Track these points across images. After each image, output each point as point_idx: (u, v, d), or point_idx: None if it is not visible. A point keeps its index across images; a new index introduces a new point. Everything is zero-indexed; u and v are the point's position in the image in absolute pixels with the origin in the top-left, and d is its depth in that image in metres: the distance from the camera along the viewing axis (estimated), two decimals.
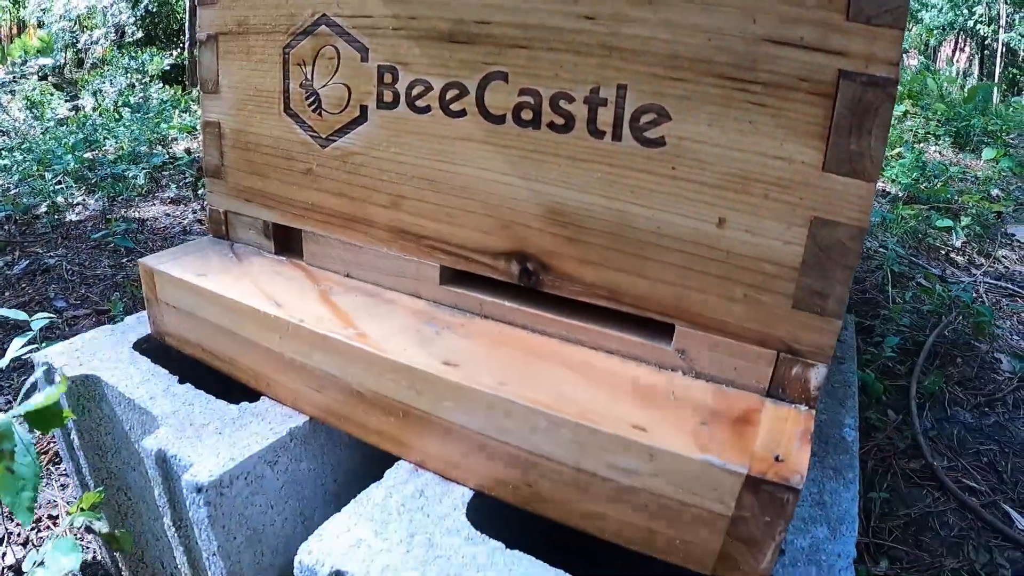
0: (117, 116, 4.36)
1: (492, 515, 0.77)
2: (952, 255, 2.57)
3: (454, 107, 0.83)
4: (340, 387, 0.85)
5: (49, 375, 1.03)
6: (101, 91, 5.30)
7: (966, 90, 5.20)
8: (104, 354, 1.04)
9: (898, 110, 4.30)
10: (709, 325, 0.75)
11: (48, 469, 1.38)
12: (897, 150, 3.55)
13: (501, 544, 0.69)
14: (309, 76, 0.96)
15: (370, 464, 0.86)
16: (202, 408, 0.92)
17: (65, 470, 1.36)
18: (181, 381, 0.98)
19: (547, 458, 0.71)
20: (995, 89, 6.11)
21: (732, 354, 0.74)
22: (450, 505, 0.75)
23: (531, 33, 0.76)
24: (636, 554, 0.70)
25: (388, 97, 0.89)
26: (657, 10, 0.69)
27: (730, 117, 0.68)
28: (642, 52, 0.71)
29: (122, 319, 1.17)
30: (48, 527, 1.26)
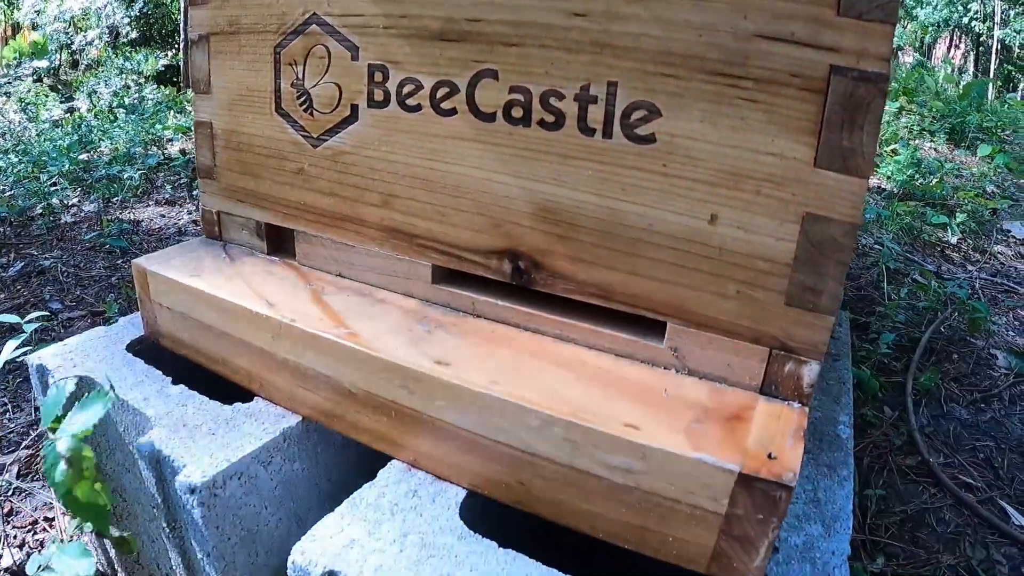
0: (112, 117, 4.35)
1: (485, 514, 0.77)
2: (948, 251, 2.57)
3: (445, 105, 0.83)
4: (332, 387, 0.85)
5: (43, 378, 1.03)
6: (96, 92, 5.28)
7: (961, 87, 5.20)
8: (98, 356, 1.04)
9: (893, 107, 4.30)
10: (701, 322, 0.74)
11: (44, 472, 1.37)
12: (892, 147, 3.55)
13: (494, 543, 0.69)
14: (300, 75, 0.96)
15: (364, 463, 0.86)
16: (196, 409, 0.92)
17: None
18: (175, 382, 0.97)
19: (540, 457, 0.71)
20: (990, 86, 6.11)
21: (725, 351, 0.74)
22: (443, 504, 0.75)
23: (522, 30, 0.76)
24: (629, 552, 0.69)
25: (379, 96, 0.88)
26: (648, 6, 0.69)
27: (721, 113, 0.67)
28: (633, 49, 0.70)
29: (117, 320, 1.17)
30: (44, 529, 1.25)
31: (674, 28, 0.68)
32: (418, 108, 0.85)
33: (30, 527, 1.25)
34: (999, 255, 2.58)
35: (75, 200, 2.76)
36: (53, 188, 2.80)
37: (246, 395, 0.95)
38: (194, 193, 2.87)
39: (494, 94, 0.79)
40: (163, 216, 2.66)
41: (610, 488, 0.67)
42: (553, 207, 0.79)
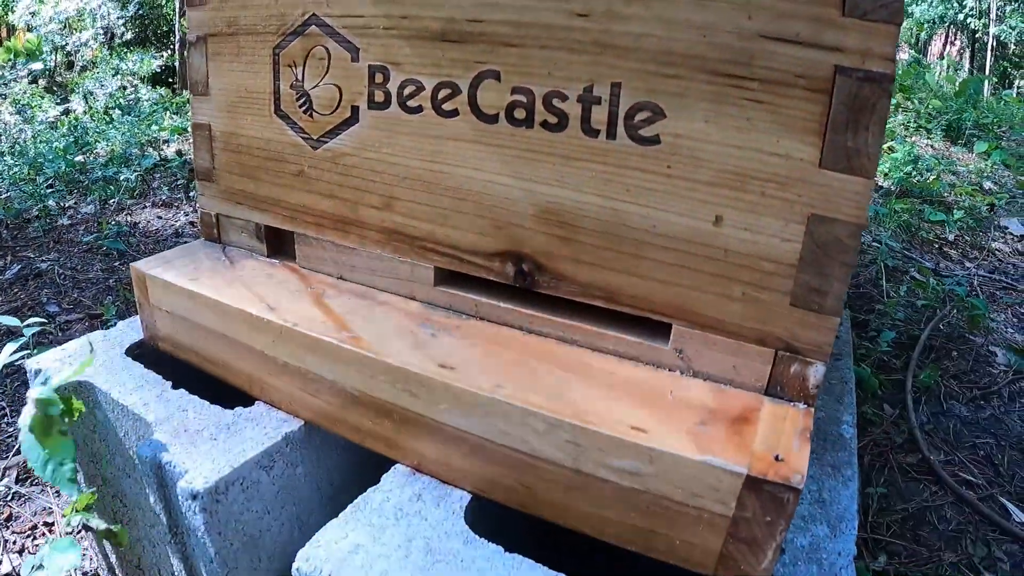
0: (108, 119, 4.33)
1: (491, 518, 0.76)
2: (946, 249, 2.57)
3: (446, 107, 0.82)
4: (335, 391, 0.84)
5: (41, 382, 1.02)
6: (92, 94, 5.26)
7: (957, 84, 5.21)
8: (97, 360, 1.03)
9: None
10: (707, 324, 0.74)
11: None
12: (889, 144, 3.56)
13: (500, 547, 0.69)
14: (300, 77, 0.95)
15: (367, 467, 0.85)
16: (196, 414, 0.91)
17: None
18: (175, 386, 0.97)
19: (545, 460, 0.70)
20: (986, 82, 6.12)
21: (730, 353, 0.73)
22: (448, 509, 0.74)
23: (524, 31, 0.75)
24: (635, 556, 0.69)
25: (379, 97, 0.88)
26: (650, 6, 0.68)
27: (726, 114, 0.67)
28: (635, 49, 0.70)
29: (115, 323, 1.16)
30: (43, 534, 1.25)
31: (676, 28, 0.68)
32: (419, 109, 0.85)
33: (29, 532, 1.25)
34: (997, 252, 2.58)
35: (71, 202, 2.74)
36: (49, 190, 2.78)
37: (247, 399, 0.94)
38: (191, 195, 2.86)
39: (496, 95, 0.79)
40: (160, 218, 2.65)
41: (616, 491, 0.67)
42: (556, 209, 0.79)
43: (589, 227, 0.77)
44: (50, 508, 1.29)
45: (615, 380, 0.76)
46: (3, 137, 3.97)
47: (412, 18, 0.82)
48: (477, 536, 0.70)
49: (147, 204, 2.78)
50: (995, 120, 4.54)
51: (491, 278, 0.86)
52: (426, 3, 0.80)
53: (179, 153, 3.43)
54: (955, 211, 2.78)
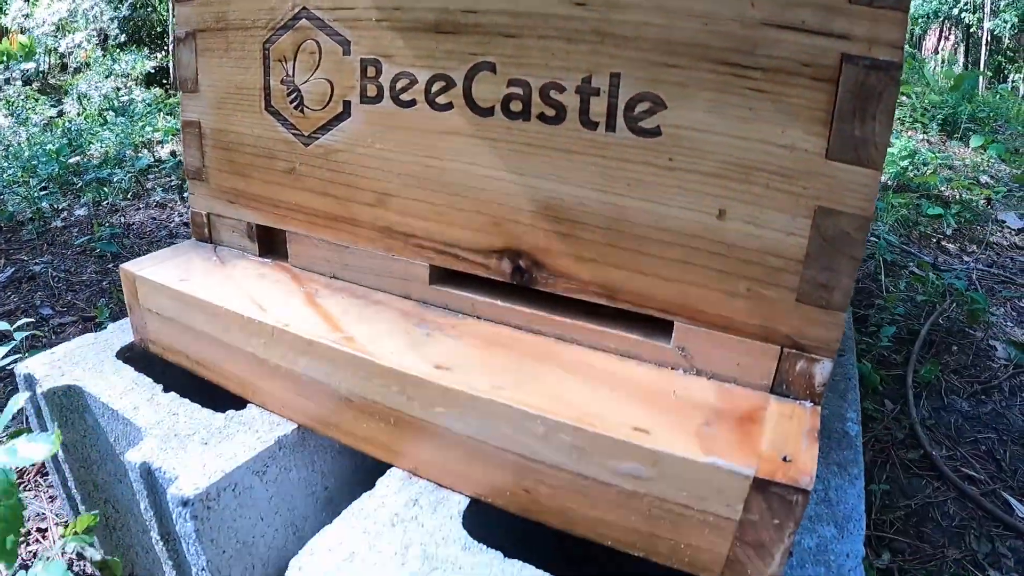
0: (102, 120, 4.31)
1: (490, 524, 0.74)
2: (944, 243, 2.56)
3: (440, 100, 0.80)
4: (328, 393, 0.82)
5: (31, 387, 1.00)
6: (86, 95, 5.23)
7: (952, 79, 5.21)
8: (87, 363, 1.02)
9: None
10: (710, 321, 0.72)
11: (36, 480, 1.35)
12: None
13: (499, 554, 0.67)
14: (290, 72, 0.93)
15: (363, 471, 0.84)
16: (187, 418, 0.89)
17: (52, 482, 1.33)
18: (166, 390, 0.95)
19: (545, 464, 0.68)
20: (980, 77, 6.12)
21: (734, 350, 0.72)
22: (445, 514, 0.72)
23: (520, 21, 0.73)
24: (640, 560, 0.67)
25: (372, 91, 0.86)
26: None
27: (729, 104, 0.65)
28: (635, 38, 0.68)
29: (108, 326, 1.14)
30: (37, 540, 1.23)
31: (677, 16, 0.66)
32: (413, 103, 0.83)
33: (23, 538, 1.23)
34: (995, 245, 2.58)
35: (65, 204, 2.73)
36: (43, 192, 2.77)
37: (239, 402, 0.93)
38: (185, 196, 2.84)
39: (492, 87, 0.76)
40: (154, 219, 2.63)
41: (619, 495, 0.65)
42: (554, 204, 0.77)
43: (588, 222, 0.75)
44: (43, 514, 1.27)
45: (616, 380, 0.74)
46: None
47: (405, 9, 0.80)
48: (476, 542, 0.68)
49: (141, 205, 2.76)
50: (991, 114, 4.54)
51: (488, 276, 0.84)
52: None
53: (173, 154, 3.40)
54: (952, 205, 2.77)
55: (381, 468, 0.80)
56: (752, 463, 0.59)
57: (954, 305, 1.99)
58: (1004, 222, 2.76)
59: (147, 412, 0.90)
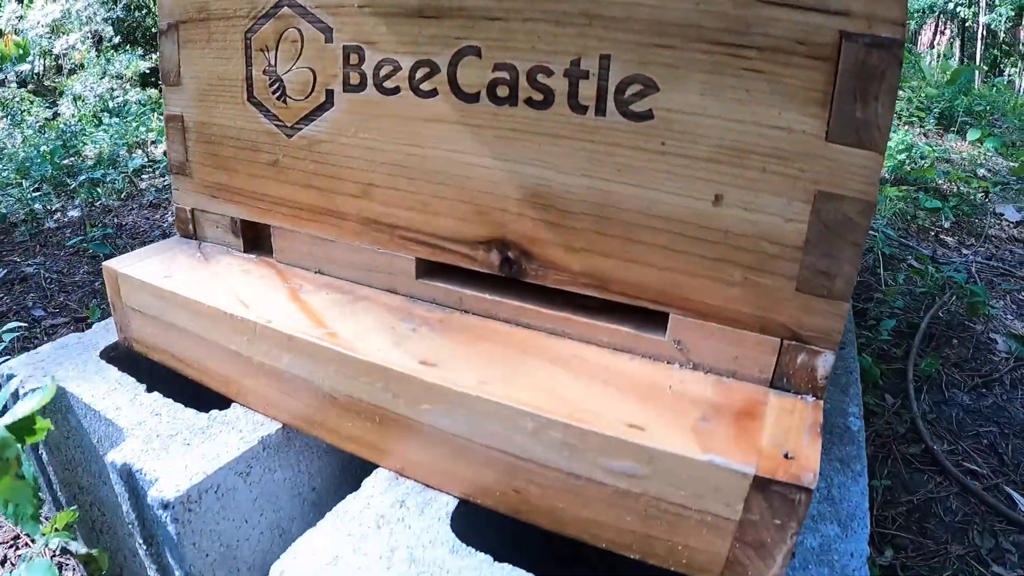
0: (97, 122, 4.29)
1: (479, 525, 0.72)
2: (942, 236, 2.55)
3: (424, 87, 0.78)
4: (312, 391, 0.79)
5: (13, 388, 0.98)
6: (81, 96, 5.21)
7: (948, 73, 5.21)
8: (70, 363, 1.00)
9: None
10: (706, 312, 0.69)
11: None
12: None
13: (489, 557, 0.64)
14: (272, 62, 0.91)
15: (351, 471, 0.82)
16: (170, 418, 0.87)
17: (39, 484, 1.31)
18: (149, 390, 0.93)
19: (536, 462, 0.66)
20: (976, 71, 6.12)
21: (732, 343, 0.69)
22: (433, 516, 0.70)
23: (505, 4, 0.70)
24: (635, 563, 0.65)
25: (355, 79, 0.83)
26: None
27: (723, 86, 0.62)
28: (626, 19, 0.65)
29: (93, 325, 1.14)
30: (26, 544, 1.21)
31: None
32: (396, 91, 0.80)
33: (11, 543, 1.22)
34: (993, 238, 2.56)
35: (58, 205, 2.73)
36: (36, 194, 2.77)
37: (224, 402, 0.90)
38: None
39: (477, 72, 0.74)
40: (147, 219, 2.62)
41: (613, 495, 0.62)
42: (543, 192, 0.74)
43: (578, 210, 0.72)
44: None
45: (609, 374, 0.71)
46: None
47: None
48: (464, 544, 0.66)
49: (134, 206, 2.76)
50: (987, 108, 4.54)
51: (475, 268, 0.82)
52: None
53: (166, 154, 3.38)
54: (950, 198, 2.76)
55: (369, 468, 0.78)
56: (752, 460, 0.57)
57: (954, 298, 1.97)
58: (1002, 215, 2.75)
59: (129, 412, 0.88)
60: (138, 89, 5.52)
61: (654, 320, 0.74)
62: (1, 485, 0.78)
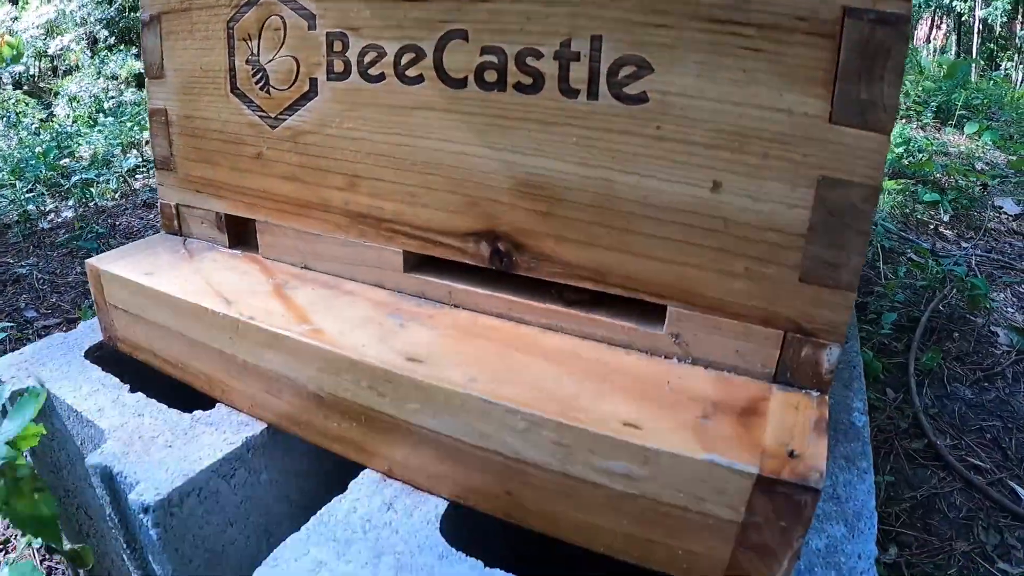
0: (92, 122, 4.27)
1: (469, 529, 0.69)
2: (941, 229, 2.53)
3: (410, 73, 0.75)
4: (296, 390, 0.77)
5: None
6: (76, 97, 5.20)
7: (945, 67, 5.19)
8: (54, 364, 0.98)
9: None
10: (706, 304, 0.67)
11: None
12: None
13: (480, 562, 0.62)
14: (255, 51, 0.88)
15: (341, 472, 0.79)
16: (152, 419, 0.85)
17: None
18: (132, 390, 0.91)
19: (528, 463, 0.63)
20: (973, 64, 6.11)
21: (733, 336, 0.66)
22: (422, 519, 0.67)
23: None
24: (633, 568, 0.62)
25: (339, 67, 0.80)
26: None
27: (721, 66, 0.59)
28: None
29: (79, 325, 1.11)
30: (14, 548, 1.19)
31: None
32: (381, 78, 0.77)
33: (0, 547, 1.19)
34: (993, 231, 2.55)
35: (52, 206, 2.72)
36: (29, 195, 2.76)
37: (209, 402, 0.88)
38: None
39: (464, 57, 0.71)
40: (141, 219, 2.62)
41: (609, 497, 0.60)
42: (534, 181, 0.71)
43: (571, 199, 0.69)
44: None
45: (605, 371, 0.68)
46: None
47: None
48: (454, 550, 0.63)
49: (128, 206, 2.75)
50: (984, 101, 4.52)
51: (465, 261, 0.79)
52: None
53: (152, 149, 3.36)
54: (949, 191, 2.74)
55: (359, 469, 0.75)
56: (755, 460, 0.54)
57: (954, 291, 1.95)
58: (1001, 208, 2.73)
59: (111, 414, 0.86)
60: (133, 89, 5.51)
61: (651, 313, 0.71)
62: (23, 504, 0.77)
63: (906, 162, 3.09)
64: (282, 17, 0.84)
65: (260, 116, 0.90)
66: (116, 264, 0.96)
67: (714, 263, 0.65)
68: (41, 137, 3.79)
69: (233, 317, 0.80)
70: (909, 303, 1.91)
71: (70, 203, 2.73)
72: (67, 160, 3.26)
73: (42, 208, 2.66)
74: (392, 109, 0.77)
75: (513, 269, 0.75)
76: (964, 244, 2.43)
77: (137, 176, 3.09)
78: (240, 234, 1.01)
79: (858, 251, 0.58)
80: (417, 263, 0.84)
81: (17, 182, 2.86)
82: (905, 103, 4.17)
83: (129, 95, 5.18)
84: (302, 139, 0.86)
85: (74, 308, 1.92)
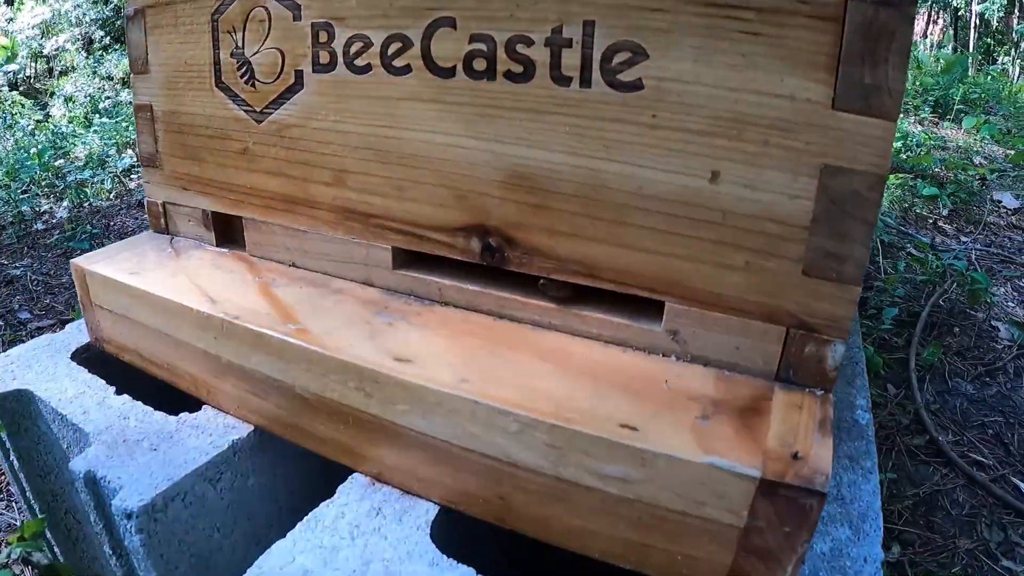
0: (87, 123, 4.25)
1: (461, 535, 0.67)
2: (940, 223, 2.52)
3: (397, 63, 0.72)
4: (283, 392, 0.74)
5: None
6: (71, 98, 5.18)
7: (943, 62, 5.18)
8: (40, 366, 0.97)
9: None
10: (705, 300, 0.64)
11: (10, 491, 1.30)
12: None
13: (471, 569, 0.59)
14: (240, 43, 0.86)
15: (331, 476, 0.77)
16: (137, 422, 0.83)
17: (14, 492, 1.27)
18: (118, 392, 0.90)
19: (520, 466, 0.61)
20: (970, 59, 6.10)
21: (733, 332, 0.64)
22: (412, 525, 0.64)
23: None
24: (630, 573, 0.60)
25: (324, 58, 0.78)
26: None
27: (718, 51, 0.57)
28: None
29: (66, 327, 1.10)
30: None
31: None
32: (368, 68, 0.75)
33: None
34: (992, 225, 2.53)
35: (47, 207, 2.70)
36: (24, 196, 2.75)
37: (196, 404, 0.86)
38: None
39: (452, 45, 0.68)
40: (135, 219, 2.62)
41: (605, 501, 0.57)
42: (525, 172, 0.69)
43: (564, 191, 0.67)
44: (16, 524, 1.21)
45: (600, 370, 0.66)
46: None
47: None
48: (445, 557, 0.61)
49: (123, 206, 2.74)
50: (982, 95, 4.51)
51: (455, 257, 0.76)
52: None
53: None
54: (948, 186, 2.73)
55: (348, 473, 0.73)
56: (757, 462, 0.51)
57: (954, 286, 1.94)
58: (1000, 202, 2.72)
59: (97, 417, 0.85)
60: (128, 89, 5.51)
61: (648, 310, 0.68)
62: None
63: (904, 156, 3.08)
64: (267, 8, 0.82)
65: (246, 110, 0.88)
66: (101, 264, 0.95)
67: (712, 256, 0.62)
68: (37, 138, 3.78)
69: (218, 317, 0.77)
70: (909, 298, 1.89)
71: (65, 204, 2.72)
72: (62, 161, 3.26)
73: (37, 209, 2.65)
74: (379, 101, 0.75)
75: (504, 264, 0.73)
76: (963, 238, 2.42)
77: (132, 176, 3.09)
78: (227, 232, 0.99)
79: (863, 242, 0.56)
80: (406, 260, 0.82)
81: (12, 183, 2.87)
82: (903, 98, 4.16)
83: (125, 95, 5.17)
84: (288, 133, 0.84)
85: (68, 309, 1.91)
